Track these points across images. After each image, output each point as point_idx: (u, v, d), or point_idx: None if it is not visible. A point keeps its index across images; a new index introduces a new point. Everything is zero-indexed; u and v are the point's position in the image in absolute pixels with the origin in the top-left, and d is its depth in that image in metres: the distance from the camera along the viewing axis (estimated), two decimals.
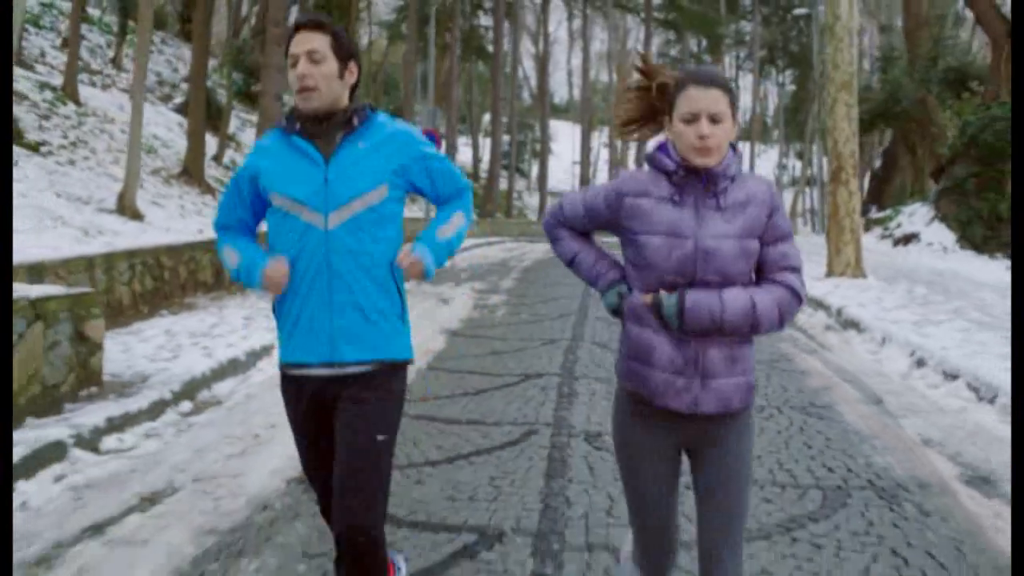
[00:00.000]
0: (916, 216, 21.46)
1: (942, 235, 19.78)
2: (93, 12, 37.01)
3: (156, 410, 6.56)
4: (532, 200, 55.02)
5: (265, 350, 8.73)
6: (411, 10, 39.88)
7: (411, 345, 3.05)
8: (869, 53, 50.42)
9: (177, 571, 3.89)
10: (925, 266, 17.00)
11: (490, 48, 50.42)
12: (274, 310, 3.01)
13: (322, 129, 2.87)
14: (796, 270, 2.58)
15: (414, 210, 31.57)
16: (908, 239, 20.76)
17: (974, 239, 19.25)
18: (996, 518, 4.62)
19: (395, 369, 2.95)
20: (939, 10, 27.99)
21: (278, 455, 5.63)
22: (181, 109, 28.68)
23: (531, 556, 4.06)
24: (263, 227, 3.09)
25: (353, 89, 2.96)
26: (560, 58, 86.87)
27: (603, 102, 76.25)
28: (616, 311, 2.65)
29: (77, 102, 22.02)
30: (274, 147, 2.94)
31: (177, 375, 7.33)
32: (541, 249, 25.27)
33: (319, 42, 2.80)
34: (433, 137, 24.50)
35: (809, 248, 18.26)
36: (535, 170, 67.91)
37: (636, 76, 2.73)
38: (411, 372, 8.12)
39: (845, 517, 4.58)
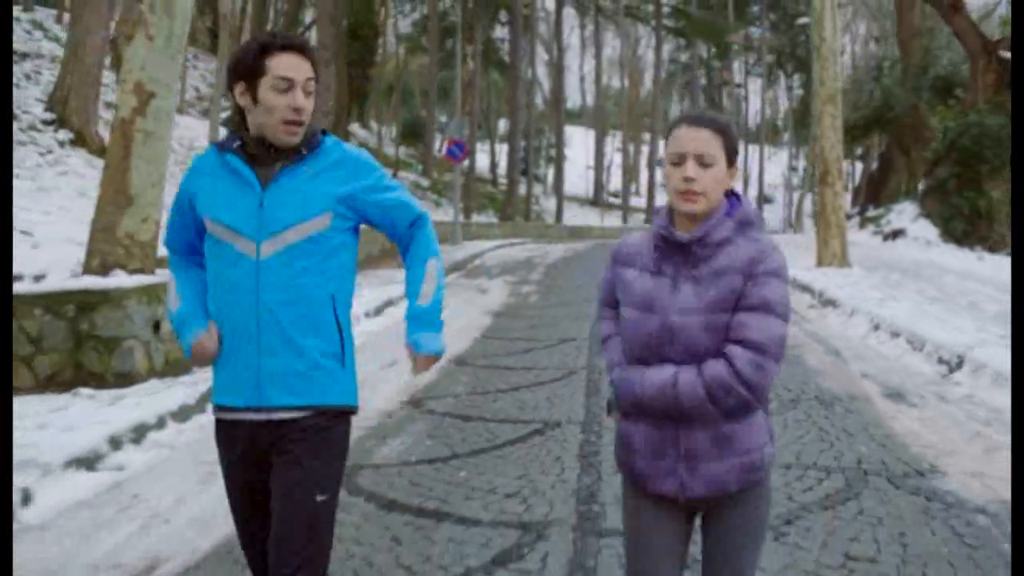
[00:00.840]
0: (904, 214, 23.50)
1: (926, 230, 21.81)
2: None
3: None
4: (549, 204, 57.09)
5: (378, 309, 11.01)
6: (432, 24, 42.11)
7: (355, 391, 2.72)
8: (870, 63, 52.28)
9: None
10: (907, 257, 19.02)
11: (506, 58, 52.60)
12: None
13: (266, 152, 2.57)
14: (748, 344, 2.19)
15: (439, 214, 33.68)
16: (896, 234, 22.80)
17: (955, 233, 21.26)
18: (897, 413, 6.76)
19: (334, 418, 2.63)
20: (931, 22, 29.96)
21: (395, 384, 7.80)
22: (228, 123, 30.91)
23: (581, 433, 6.19)
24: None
25: None
26: (572, 64, 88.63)
27: (616, 107, 78.30)
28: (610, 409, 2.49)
29: None
30: (209, 167, 2.65)
31: None
32: (561, 249, 27.37)
33: (310, 71, 2.55)
34: (461, 147, 26.68)
35: (807, 244, 20.37)
36: (550, 175, 69.95)
37: None
38: (468, 341, 10.33)
39: (793, 416, 6.68)
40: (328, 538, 2.63)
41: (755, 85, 76.90)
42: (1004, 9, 33.57)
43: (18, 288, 8.00)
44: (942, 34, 29.80)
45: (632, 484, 2.45)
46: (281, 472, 2.56)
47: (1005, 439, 5.96)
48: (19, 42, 25.44)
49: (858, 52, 70.88)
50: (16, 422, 5.67)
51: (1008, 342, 8.40)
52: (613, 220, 59.67)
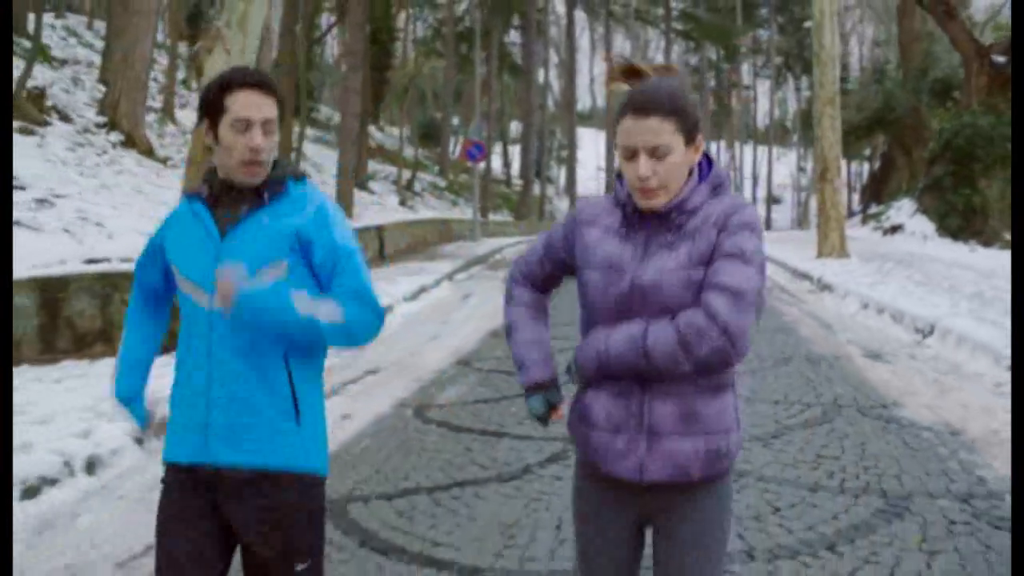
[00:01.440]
0: (903, 210, 24.68)
1: (923, 225, 22.96)
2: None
3: None
4: (561, 204, 58.54)
5: (414, 294, 12.21)
6: (448, 29, 43.46)
7: (315, 453, 2.46)
8: (876, 66, 53.34)
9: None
10: (903, 250, 20.17)
11: (519, 62, 53.92)
12: None
13: (230, 196, 2.42)
14: (722, 287, 2.00)
15: (456, 213, 35.00)
16: (895, 229, 23.98)
17: (951, 228, 22.40)
18: (872, 367, 8.04)
19: (296, 483, 2.40)
20: (931, 27, 31.13)
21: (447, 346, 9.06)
22: None
23: None
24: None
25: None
26: (582, 66, 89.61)
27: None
28: (541, 419, 2.26)
29: (174, 121, 25.63)
30: (182, 215, 2.52)
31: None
32: None
33: (271, 109, 2.37)
34: (480, 148, 27.97)
35: (810, 239, 21.59)
36: (561, 176, 71.23)
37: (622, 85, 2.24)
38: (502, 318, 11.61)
39: (784, 370, 7.93)
40: None
41: (764, 87, 78.08)
42: (1007, 12, 34.72)
43: (114, 267, 9.33)
44: (942, 39, 30.91)
45: (585, 463, 2.23)
46: (245, 531, 2.41)
47: (958, 384, 7.29)
48: (57, 49, 26.78)
49: (865, 54, 71.95)
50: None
51: (975, 314, 9.67)
52: None
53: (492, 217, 40.02)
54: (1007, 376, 7.28)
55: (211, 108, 2.36)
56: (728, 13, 64.52)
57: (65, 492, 5.06)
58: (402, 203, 30.66)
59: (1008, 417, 6.26)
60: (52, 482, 5.08)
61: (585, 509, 2.26)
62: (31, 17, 29.62)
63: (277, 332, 2.32)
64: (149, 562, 3.18)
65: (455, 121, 54.38)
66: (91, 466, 5.39)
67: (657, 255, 2.09)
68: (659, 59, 60.52)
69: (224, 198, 2.42)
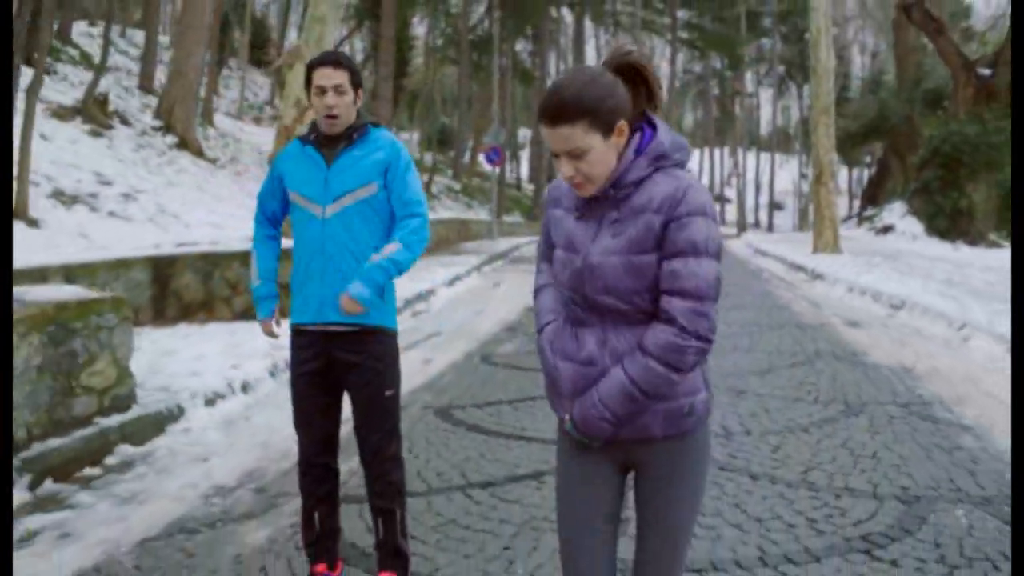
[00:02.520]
0: (894, 212, 26.42)
1: (913, 226, 24.70)
2: None
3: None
4: None
5: (451, 281, 13.88)
6: (461, 38, 45.21)
7: (392, 317, 3.48)
8: (876, 75, 54.96)
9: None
10: (892, 248, 21.86)
11: (531, 70, 55.66)
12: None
13: (330, 141, 3.40)
14: (684, 294, 2.05)
15: (471, 215, 36.62)
16: (886, 229, 25.72)
17: (939, 228, 24.12)
18: (850, 331, 9.76)
19: (379, 334, 3.40)
20: (925, 40, 32.88)
21: (493, 319, 10.76)
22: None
23: None
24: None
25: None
26: None
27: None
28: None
29: (213, 126, 27.38)
30: (294, 154, 3.49)
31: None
32: None
33: (341, 77, 3.33)
34: (497, 152, 29.64)
35: (807, 239, 23.32)
36: None
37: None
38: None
39: (777, 334, 9.62)
40: (396, 417, 3.50)
41: (767, 95, 79.61)
42: (1006, 22, 36.34)
43: (215, 248, 11.02)
44: (934, 52, 32.62)
45: (561, 420, 2.31)
46: (353, 372, 3.39)
47: (916, 341, 9.01)
48: (97, 57, 28.36)
49: (866, 63, 73.49)
50: (255, 333, 8.71)
51: (941, 292, 11.40)
52: None
53: (505, 219, 41.72)
54: (957, 335, 9.05)
55: (307, 83, 3.41)
56: (732, 23, 65.95)
57: (231, 404, 6.76)
58: None
59: (952, 362, 8.02)
60: (222, 396, 6.79)
61: (565, 464, 2.34)
62: (74, 27, 31.49)
63: (391, 276, 3.36)
64: None
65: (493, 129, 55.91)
66: (245, 387, 7.11)
67: (604, 236, 2.14)
68: (664, 68, 62.23)
69: (325, 141, 3.42)
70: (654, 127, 2.17)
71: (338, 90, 3.32)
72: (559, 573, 3.62)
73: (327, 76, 3.32)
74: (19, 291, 5.86)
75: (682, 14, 64.11)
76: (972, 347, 8.60)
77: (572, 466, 2.31)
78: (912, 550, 3.85)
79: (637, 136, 2.15)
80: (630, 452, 2.24)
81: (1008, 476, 4.85)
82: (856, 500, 4.47)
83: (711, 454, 2.32)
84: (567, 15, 66.91)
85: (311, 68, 3.39)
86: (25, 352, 5.18)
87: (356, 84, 3.40)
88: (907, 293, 11.50)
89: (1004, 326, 8.63)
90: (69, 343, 5.55)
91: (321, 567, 3.56)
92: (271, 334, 3.67)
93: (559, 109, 2.05)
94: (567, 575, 2.33)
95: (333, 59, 3.38)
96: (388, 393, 3.43)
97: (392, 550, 3.50)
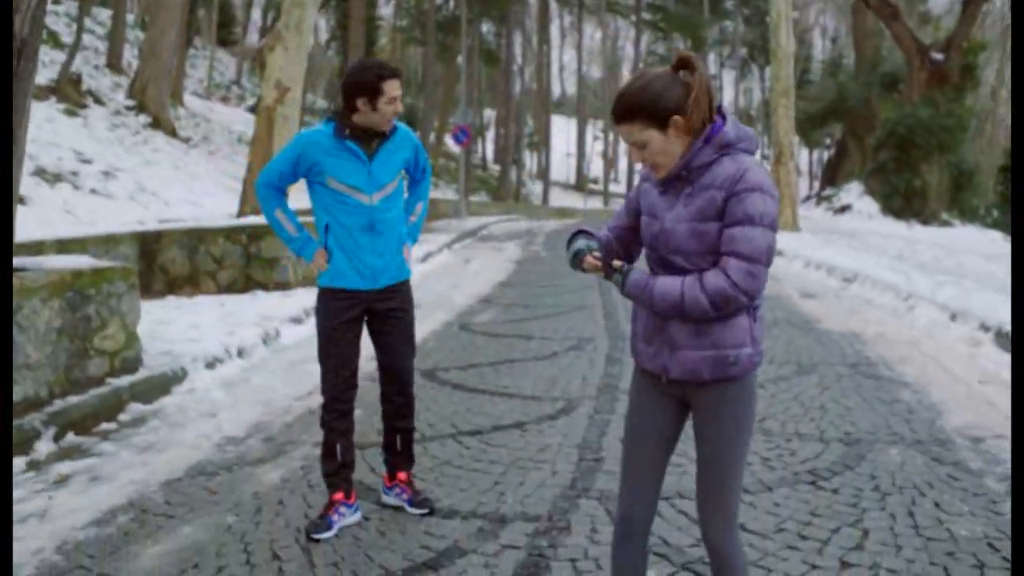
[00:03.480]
0: (852, 192, 27.25)
1: (869, 205, 25.53)
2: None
3: None
4: (535, 188, 60.82)
5: (424, 258, 14.32)
6: (428, 19, 45.43)
7: (408, 270, 4.25)
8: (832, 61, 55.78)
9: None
10: (849, 226, 22.66)
11: (495, 51, 55.91)
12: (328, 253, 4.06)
13: (368, 136, 3.96)
14: (739, 255, 2.39)
15: (437, 194, 37.05)
16: (843, 209, 26.54)
17: (893, 208, 24.96)
18: (805, 302, 10.38)
19: (407, 284, 4.22)
20: (882, 25, 33.69)
21: (472, 289, 11.26)
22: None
23: (602, 311, 9.68)
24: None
25: None
26: (553, 55, 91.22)
27: (596, 97, 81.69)
28: (574, 256, 2.65)
29: (183, 105, 27.53)
30: (328, 145, 3.94)
31: None
32: (554, 223, 30.90)
33: (400, 89, 3.93)
34: (466, 132, 30.04)
35: None
36: (531, 161, 73.32)
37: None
38: (504, 275, 13.87)
39: None
40: (413, 343, 4.28)
41: (729, 77, 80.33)
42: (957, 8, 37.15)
43: (200, 224, 11.41)
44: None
45: (635, 361, 2.74)
46: (391, 317, 4.11)
47: (866, 309, 9.69)
48: (65, 35, 28.28)
49: (828, 47, 74.42)
50: (244, 306, 9.17)
51: (891, 267, 12.08)
52: (595, 203, 63.20)
53: (472, 198, 42.13)
54: (904, 304, 9.72)
55: (371, 89, 3.84)
56: (696, 5, 66.41)
57: (230, 367, 7.22)
58: None
59: (897, 328, 8.67)
60: (221, 360, 7.25)
61: (634, 393, 2.76)
62: (57, 8, 31.36)
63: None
64: (315, 399, 5.55)
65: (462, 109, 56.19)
66: (241, 352, 7.57)
67: (678, 207, 2.52)
68: (628, 50, 62.64)
69: (363, 136, 3.94)
70: (724, 119, 2.51)
71: (399, 102, 3.94)
72: (546, 504, 4.20)
73: (397, 88, 3.90)
74: (37, 260, 6.30)
75: None
76: (916, 315, 9.24)
77: (640, 397, 2.72)
78: (851, 481, 4.43)
79: (709, 127, 2.48)
80: (686, 391, 2.61)
81: (938, 424, 5.46)
82: (804, 443, 5.05)
83: (756, 404, 2.66)
84: None
85: (382, 78, 3.87)
86: (46, 316, 5.61)
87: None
88: (859, 267, 12.18)
89: (945, 295, 9.31)
90: (84, 308, 5.98)
91: (339, 495, 4.06)
92: (322, 265, 4.09)
93: (619, 110, 2.49)
94: (623, 479, 2.75)
95: (400, 74, 4.00)
96: (412, 331, 4.24)
97: (409, 455, 4.29)
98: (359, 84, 3.89)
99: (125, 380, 6.18)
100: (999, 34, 41.79)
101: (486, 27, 58.81)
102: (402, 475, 4.26)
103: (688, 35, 68.21)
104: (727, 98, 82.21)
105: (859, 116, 33.50)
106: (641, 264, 2.71)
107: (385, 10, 55.39)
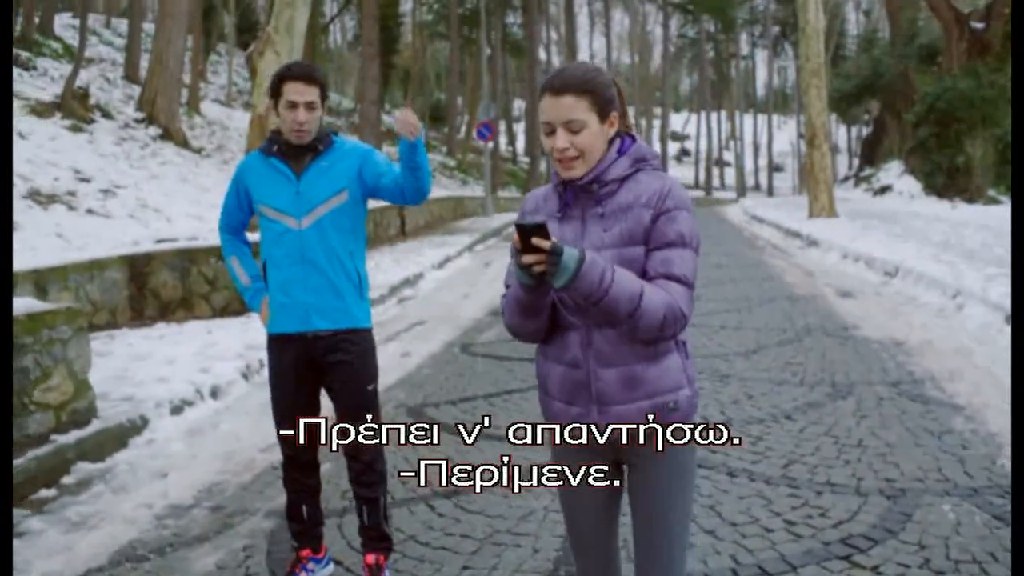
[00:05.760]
0: (891, 171, 26.10)
1: (910, 185, 24.39)
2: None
3: (391, 295, 11.45)
4: None
5: (440, 263, 13.65)
6: (452, 13, 44.72)
7: (368, 316, 3.58)
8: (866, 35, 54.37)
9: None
10: (889, 208, 21.58)
11: (522, 42, 55.10)
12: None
13: (295, 152, 3.40)
14: (680, 280, 2.18)
15: (467, 191, 36.33)
16: (884, 190, 25.42)
17: (936, 187, 23.81)
18: (842, 303, 9.51)
19: (358, 334, 3.50)
20: None
21: (477, 305, 10.53)
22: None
23: None
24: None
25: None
26: (582, 42, 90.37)
27: (626, 83, 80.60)
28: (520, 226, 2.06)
29: (200, 114, 27.06)
30: (257, 166, 3.50)
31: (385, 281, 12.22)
32: None
33: (313, 94, 3.32)
34: (488, 128, 29.32)
35: (803, 203, 23.03)
36: None
37: None
38: None
39: (768, 308, 9.38)
40: (375, 402, 3.61)
41: (762, 56, 79.01)
42: None
43: (191, 244, 10.78)
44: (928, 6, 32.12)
45: (552, 424, 2.39)
46: (337, 371, 3.48)
47: (909, 310, 8.77)
48: (88, 50, 28.01)
49: (862, 21, 72.81)
50: (232, 332, 8.50)
51: (936, 257, 11.15)
52: None
53: (501, 193, 41.40)
54: (952, 303, 8.79)
55: (274, 92, 3.37)
56: None
57: (200, 410, 6.54)
58: None
59: (943, 332, 7.79)
60: (190, 403, 6.57)
61: (555, 464, 2.46)
62: (57, 19, 31.13)
63: (423, 161, 3.34)
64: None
65: (459, 102, 55.61)
66: (215, 392, 6.89)
67: (593, 232, 2.23)
68: (657, 33, 61.37)
69: (291, 151, 3.42)
70: (632, 138, 2.34)
71: (310, 107, 3.34)
72: None
73: (299, 92, 3.32)
74: None
75: None
76: (966, 315, 8.34)
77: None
78: (895, 554, 3.62)
79: (618, 141, 2.30)
80: (620, 450, 2.32)
81: (999, 463, 4.63)
82: (838, 497, 4.24)
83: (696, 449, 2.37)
84: None
85: (283, 79, 3.36)
86: None
87: (324, 98, 3.43)
88: (901, 259, 11.24)
89: (997, 292, 8.37)
90: (19, 360, 5.33)
91: (307, 552, 3.67)
92: (266, 317, 3.63)
93: (568, 80, 2.21)
94: (575, 555, 2.51)
95: (307, 74, 3.36)
96: (369, 388, 3.57)
97: (377, 534, 3.63)
98: (269, 87, 3.46)
99: (72, 436, 5.49)
100: None
101: (511, 18, 58.17)
102: (369, 558, 3.62)
103: (717, 16, 67.14)
104: (761, 78, 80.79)
105: (897, 91, 32.23)
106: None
107: (407, 6, 54.85)
